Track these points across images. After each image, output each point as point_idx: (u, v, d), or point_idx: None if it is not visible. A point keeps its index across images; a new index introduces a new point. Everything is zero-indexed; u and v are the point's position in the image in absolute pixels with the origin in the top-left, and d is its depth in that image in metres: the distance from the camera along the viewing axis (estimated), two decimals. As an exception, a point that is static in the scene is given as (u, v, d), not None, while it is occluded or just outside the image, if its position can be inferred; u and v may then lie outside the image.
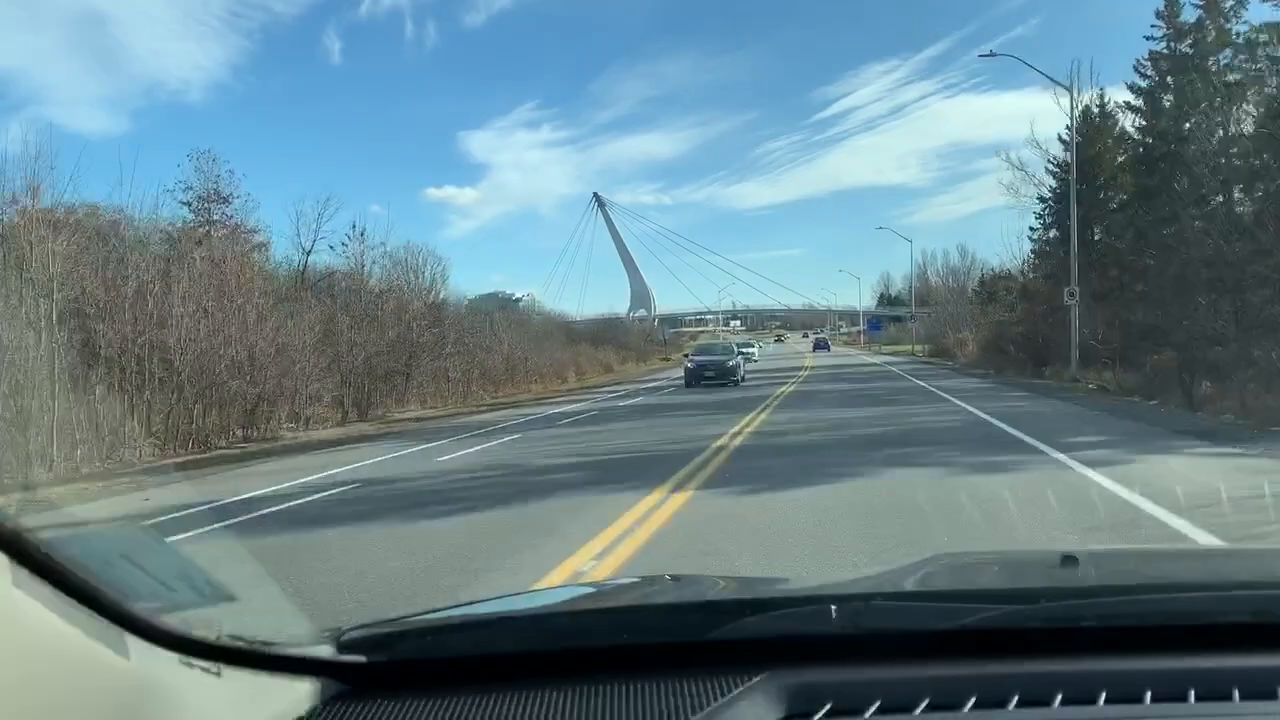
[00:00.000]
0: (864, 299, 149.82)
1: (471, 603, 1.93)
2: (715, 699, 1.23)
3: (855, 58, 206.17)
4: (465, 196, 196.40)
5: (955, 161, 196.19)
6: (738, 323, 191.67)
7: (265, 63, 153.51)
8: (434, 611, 1.64)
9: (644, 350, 76.63)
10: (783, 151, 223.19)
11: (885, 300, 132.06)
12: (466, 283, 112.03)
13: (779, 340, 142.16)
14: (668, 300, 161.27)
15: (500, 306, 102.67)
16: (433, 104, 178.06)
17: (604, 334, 68.63)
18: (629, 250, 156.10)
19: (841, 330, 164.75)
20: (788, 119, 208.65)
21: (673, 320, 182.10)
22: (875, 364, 48.75)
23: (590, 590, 2.36)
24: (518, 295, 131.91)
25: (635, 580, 2.50)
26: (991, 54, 35.78)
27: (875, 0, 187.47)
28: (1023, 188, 34.98)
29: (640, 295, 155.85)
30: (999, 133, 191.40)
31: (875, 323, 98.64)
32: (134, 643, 1.00)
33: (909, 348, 72.05)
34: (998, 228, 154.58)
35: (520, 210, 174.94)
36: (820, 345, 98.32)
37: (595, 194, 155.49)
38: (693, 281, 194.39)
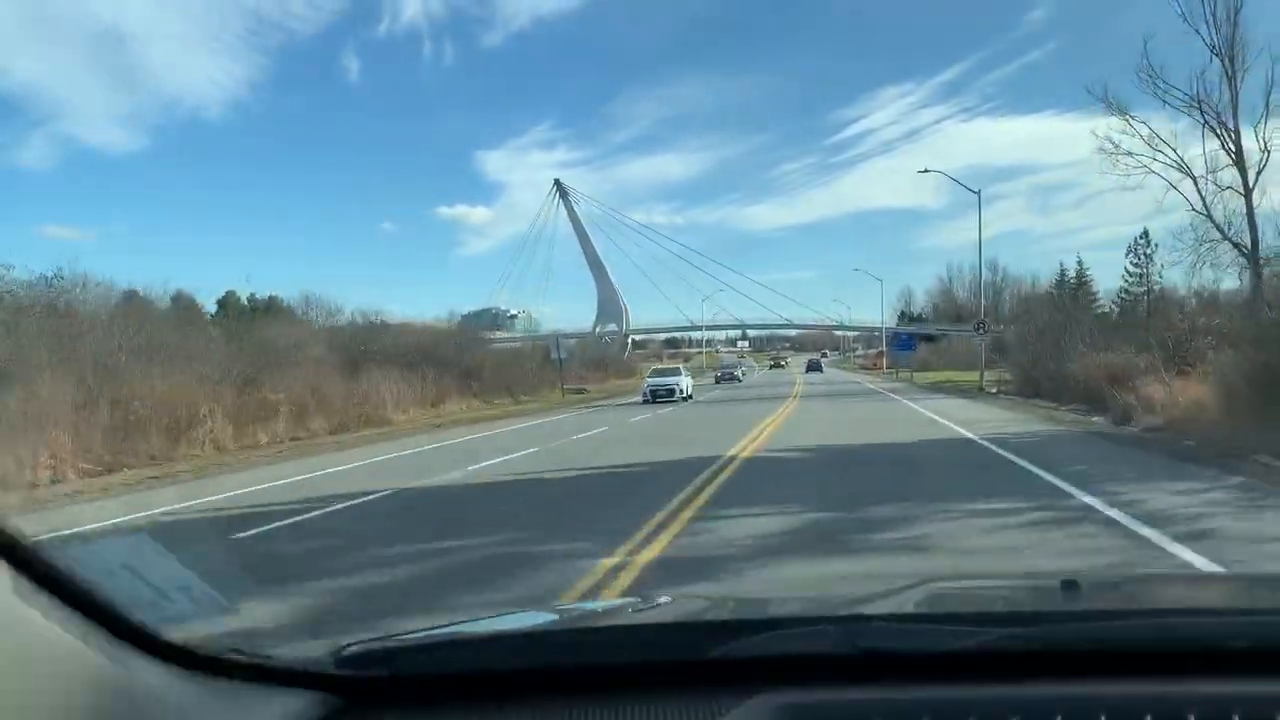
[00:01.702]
0: (884, 316, 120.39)
1: (470, 620, 1.86)
2: (714, 717, 1.21)
3: (870, 81, 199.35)
4: (477, 215, 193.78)
5: (972, 185, 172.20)
6: (745, 343, 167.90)
7: (283, 81, 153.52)
8: (433, 628, 1.59)
9: (518, 381, 45.06)
10: (798, 173, 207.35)
11: (906, 318, 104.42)
12: (473, 300, 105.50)
13: (775, 365, 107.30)
14: (663, 317, 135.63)
15: (493, 323, 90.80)
16: (449, 123, 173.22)
17: (436, 350, 38.27)
18: (597, 251, 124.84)
19: (857, 353, 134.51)
20: (803, 141, 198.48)
21: (674, 341, 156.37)
22: (955, 438, 15.70)
23: (590, 609, 2.22)
24: (513, 312, 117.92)
25: (634, 599, 2.38)
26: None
27: (890, 24, 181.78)
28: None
29: (609, 306, 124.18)
30: (1016, 157, 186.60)
31: (905, 340, 67.67)
32: (134, 654, 0.98)
33: (970, 378, 41.51)
34: (1020, 250, 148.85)
35: (534, 230, 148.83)
36: (813, 367, 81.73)
37: (556, 181, 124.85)
38: (698, 301, 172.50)
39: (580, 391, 47.28)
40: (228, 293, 48.22)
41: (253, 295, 48.02)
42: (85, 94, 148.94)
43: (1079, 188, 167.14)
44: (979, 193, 39.63)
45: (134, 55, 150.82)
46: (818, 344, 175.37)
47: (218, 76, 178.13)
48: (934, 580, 2.03)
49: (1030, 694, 1.21)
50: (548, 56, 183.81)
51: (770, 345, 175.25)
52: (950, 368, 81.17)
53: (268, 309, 48.48)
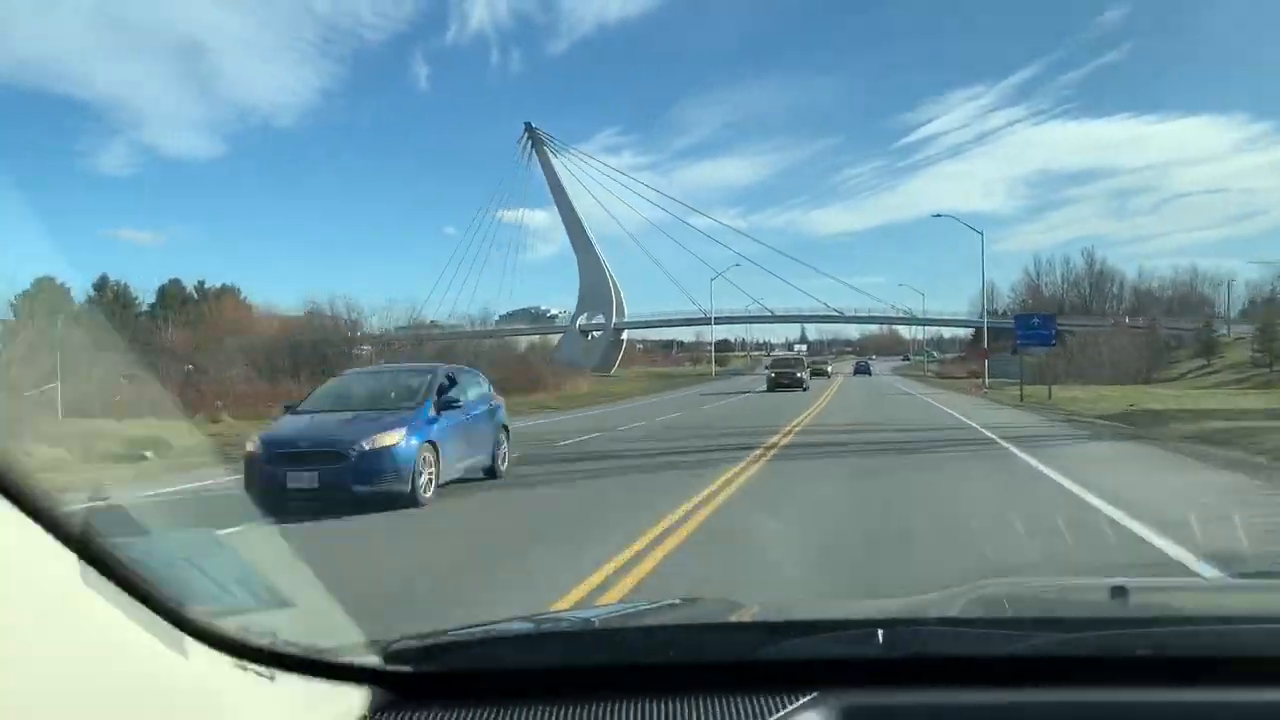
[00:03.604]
0: (961, 312, 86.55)
1: (519, 618, 1.79)
2: (764, 718, 1.17)
3: (939, 84, 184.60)
4: (540, 219, 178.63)
5: (1043, 189, 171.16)
6: (803, 347, 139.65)
7: (354, 88, 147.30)
8: (481, 624, 1.58)
9: None
10: (865, 177, 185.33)
11: (994, 316, 71.52)
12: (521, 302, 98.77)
13: (783, 379, 40.06)
14: (668, 306, 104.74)
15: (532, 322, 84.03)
16: (514, 130, 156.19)
17: None
18: (580, 219, 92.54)
19: (933, 356, 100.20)
20: (870, 145, 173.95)
21: (725, 345, 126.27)
22: None
23: (637, 608, 2.10)
24: (553, 311, 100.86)
25: (678, 601, 2.25)
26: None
27: (958, 27, 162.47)
28: None
29: (595, 291, 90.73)
30: (1089, 161, 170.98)
31: (1036, 328, 34.72)
32: (191, 644, 0.99)
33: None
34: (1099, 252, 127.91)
35: (599, 235, 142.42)
36: (861, 369, 72.11)
37: (527, 125, 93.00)
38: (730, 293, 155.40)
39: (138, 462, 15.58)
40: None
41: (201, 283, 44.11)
42: (163, 103, 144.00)
43: (1156, 191, 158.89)
44: None
45: (211, 64, 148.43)
46: (881, 347, 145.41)
47: (291, 84, 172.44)
48: (981, 585, 1.93)
49: (1083, 700, 1.17)
50: (613, 62, 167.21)
51: (831, 348, 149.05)
52: (1087, 379, 48.52)
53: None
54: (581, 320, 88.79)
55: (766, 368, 47.41)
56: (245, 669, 1.05)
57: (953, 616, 1.50)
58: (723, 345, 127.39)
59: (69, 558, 0.87)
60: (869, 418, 20.99)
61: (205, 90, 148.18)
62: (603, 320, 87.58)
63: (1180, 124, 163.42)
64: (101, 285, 67.38)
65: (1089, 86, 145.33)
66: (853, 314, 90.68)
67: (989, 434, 15.67)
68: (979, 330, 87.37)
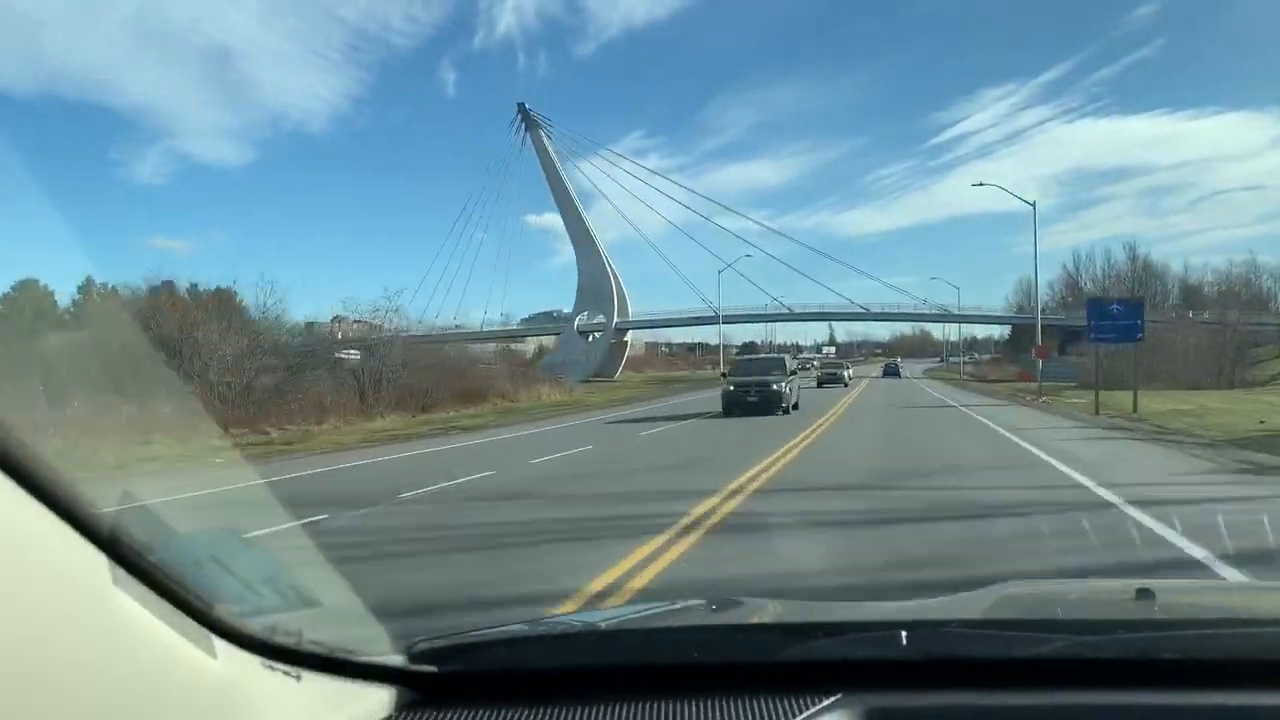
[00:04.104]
0: (1001, 308, 78.02)
1: (543, 619, 1.80)
2: (789, 718, 1.17)
3: (969, 82, 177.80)
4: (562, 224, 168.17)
5: (1076, 188, 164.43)
6: (832, 349, 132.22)
7: (383, 94, 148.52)
8: (506, 625, 1.59)
9: None
10: (895, 178, 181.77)
11: (1027, 314, 69.76)
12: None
13: (731, 399, 24.00)
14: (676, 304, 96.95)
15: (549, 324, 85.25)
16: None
17: None
18: (579, 208, 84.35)
19: (974, 357, 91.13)
20: (900, 145, 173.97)
21: (751, 346, 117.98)
22: None
23: (659, 609, 2.07)
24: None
25: (702, 601, 2.19)
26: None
27: (987, 24, 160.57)
28: None
29: (594, 286, 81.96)
30: (1122, 158, 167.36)
31: (1118, 316, 26.67)
32: (220, 644, 1.01)
33: None
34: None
35: (625, 238, 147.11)
36: (890, 371, 67.25)
37: (521, 106, 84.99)
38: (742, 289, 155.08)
39: None
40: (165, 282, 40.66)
41: (194, 285, 42.09)
42: (195, 111, 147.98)
43: (1191, 189, 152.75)
44: None
45: (242, 72, 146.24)
46: (913, 347, 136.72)
47: (321, 91, 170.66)
48: (1006, 587, 1.92)
49: (1107, 703, 1.16)
50: (640, 65, 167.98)
51: (860, 350, 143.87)
52: (1158, 382, 39.85)
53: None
54: (581, 320, 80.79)
55: (723, 375, 30.27)
56: (272, 668, 1.06)
57: (977, 618, 1.50)
58: (749, 349, 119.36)
59: (99, 558, 0.87)
60: (888, 459, 12.62)
61: (236, 97, 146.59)
62: (603, 320, 79.52)
63: (1215, 121, 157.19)
64: (85, 287, 61.64)
65: (1122, 83, 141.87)
66: (879, 310, 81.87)
67: (1141, 516, 7.37)
68: (1016, 330, 79.10)
